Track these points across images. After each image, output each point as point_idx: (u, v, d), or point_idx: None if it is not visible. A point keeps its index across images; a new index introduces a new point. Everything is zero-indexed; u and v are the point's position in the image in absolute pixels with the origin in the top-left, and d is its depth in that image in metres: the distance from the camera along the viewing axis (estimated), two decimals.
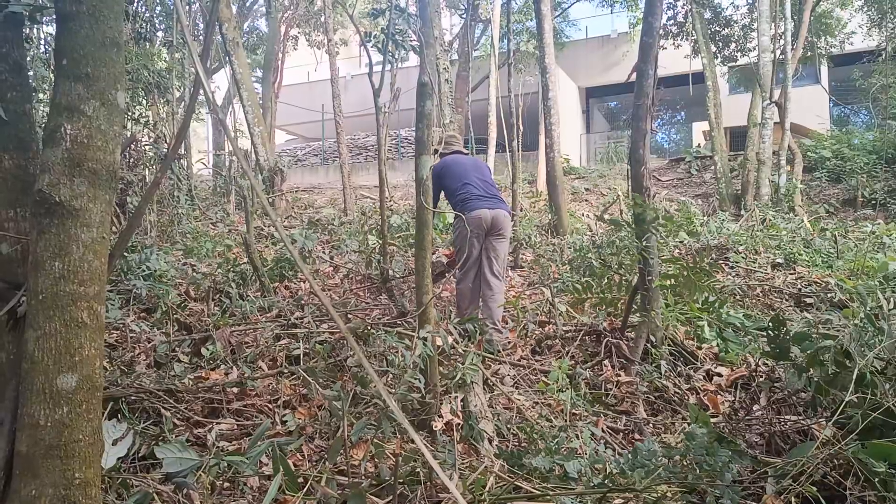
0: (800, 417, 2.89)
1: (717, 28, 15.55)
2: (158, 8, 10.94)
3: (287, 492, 2.29)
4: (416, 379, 2.75)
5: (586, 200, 13.67)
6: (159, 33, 11.20)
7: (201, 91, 2.05)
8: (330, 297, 5.61)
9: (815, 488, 2.15)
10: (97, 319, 1.68)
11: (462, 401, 3.06)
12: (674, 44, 16.12)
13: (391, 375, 3.01)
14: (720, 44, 15.57)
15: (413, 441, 2.74)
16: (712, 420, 3.02)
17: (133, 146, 8.15)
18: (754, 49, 13.19)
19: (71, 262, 1.63)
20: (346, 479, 2.43)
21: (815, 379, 2.81)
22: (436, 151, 4.78)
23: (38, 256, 1.64)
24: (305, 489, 2.31)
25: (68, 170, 1.65)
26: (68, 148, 1.66)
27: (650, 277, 3.88)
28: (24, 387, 1.61)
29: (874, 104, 15.58)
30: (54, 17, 1.86)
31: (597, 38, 22.36)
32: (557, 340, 4.24)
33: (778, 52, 11.75)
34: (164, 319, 4.48)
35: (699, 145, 18.16)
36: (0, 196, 1.86)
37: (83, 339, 1.63)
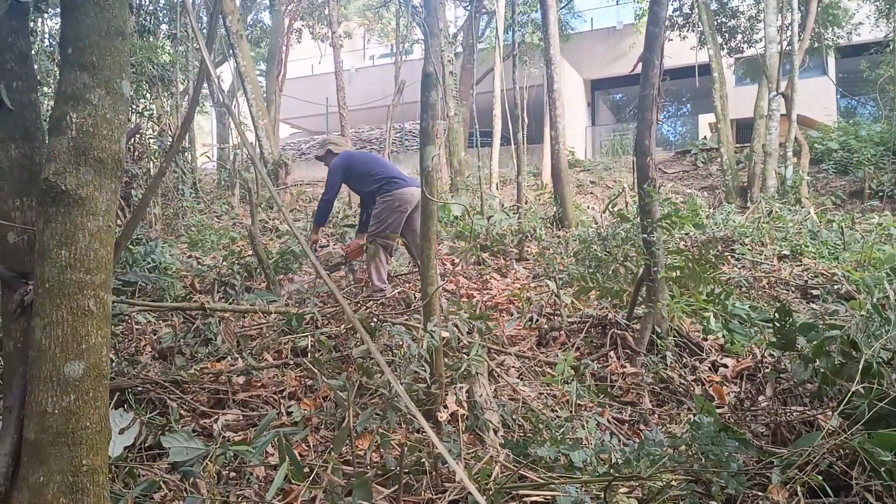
0: (806, 408, 2.88)
1: (724, 19, 15.43)
2: (162, 1, 10.93)
3: (293, 481, 2.30)
4: (421, 368, 2.76)
5: (591, 193, 13.64)
6: (163, 26, 11.20)
7: (205, 85, 2.04)
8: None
9: (820, 478, 2.14)
10: (103, 308, 1.68)
11: (467, 391, 3.06)
12: (680, 35, 16.01)
13: (396, 367, 3.01)
14: (726, 35, 15.46)
15: (418, 431, 2.75)
16: (718, 411, 3.01)
17: (137, 139, 8.17)
18: (761, 40, 13.09)
19: (77, 251, 1.64)
20: (352, 468, 2.43)
21: (822, 369, 2.80)
22: (329, 153, 5.51)
23: (45, 245, 1.64)
24: (311, 478, 2.32)
25: (74, 158, 1.65)
26: (74, 136, 1.66)
27: (656, 269, 3.87)
28: (31, 374, 1.62)
29: (882, 96, 15.44)
30: (59, 8, 1.86)
31: (602, 30, 22.23)
32: (562, 332, 4.24)
33: (785, 43, 11.65)
34: (170, 312, 4.48)
35: (705, 137, 18.07)
36: (6, 185, 1.86)
37: (90, 328, 1.64)
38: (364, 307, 4.81)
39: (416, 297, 4.84)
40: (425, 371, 2.80)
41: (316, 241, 5.62)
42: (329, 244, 7.31)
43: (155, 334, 4.13)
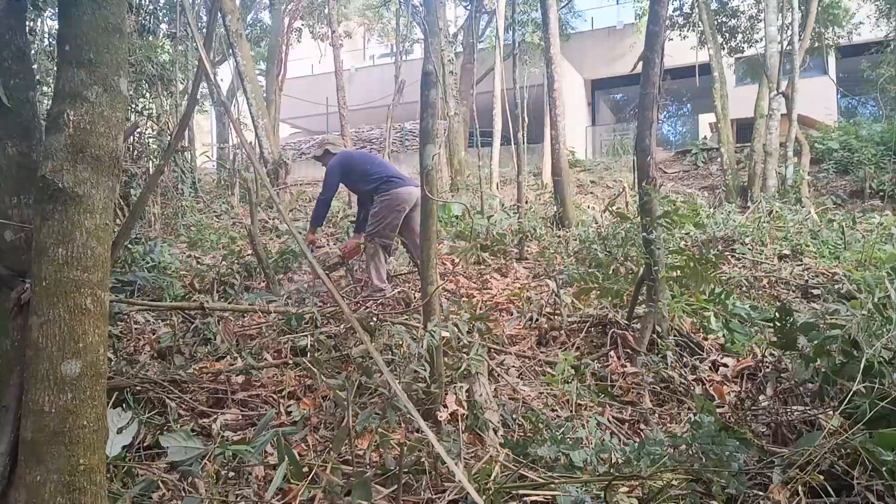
0: (807, 408, 2.87)
1: (724, 19, 15.44)
2: (162, 0, 10.92)
3: (292, 481, 2.29)
4: (421, 368, 2.75)
5: (592, 193, 13.64)
6: (163, 26, 11.19)
7: (205, 84, 2.04)
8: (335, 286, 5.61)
9: (821, 477, 2.13)
10: (101, 306, 1.67)
11: (467, 391, 3.05)
12: (680, 35, 16.01)
13: (396, 366, 3.00)
14: (727, 35, 15.46)
15: (417, 431, 2.74)
16: (718, 410, 3.00)
17: (137, 139, 8.16)
18: (761, 40, 13.10)
19: (74, 249, 1.63)
20: (351, 468, 2.42)
21: (823, 369, 2.79)
22: (326, 153, 5.50)
23: (42, 243, 1.63)
24: (310, 478, 2.31)
25: (71, 156, 1.64)
26: (71, 134, 1.65)
27: (656, 268, 3.86)
28: (28, 373, 1.61)
29: (882, 95, 15.45)
30: (57, 6, 1.85)
31: (603, 30, 22.22)
32: (563, 332, 4.23)
33: (785, 42, 11.65)
34: (169, 311, 4.47)
35: (705, 137, 18.08)
36: (4, 183, 1.86)
37: (87, 326, 1.63)
38: (363, 307, 4.80)
39: (416, 297, 4.83)
40: (425, 370, 2.79)
41: (313, 242, 5.60)
42: (327, 244, 7.30)
43: (154, 334, 4.12)
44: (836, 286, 5.20)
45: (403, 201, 5.12)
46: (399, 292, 5.13)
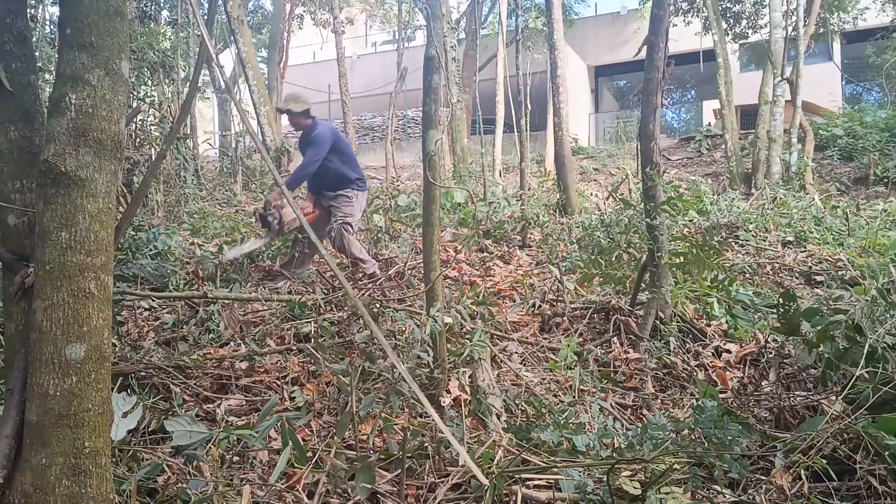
0: (809, 393, 2.88)
1: (729, 4, 15.30)
2: None
3: (296, 465, 2.31)
4: (425, 352, 2.75)
5: (595, 180, 13.59)
6: (164, 12, 11.13)
7: (206, 71, 2.03)
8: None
9: (824, 462, 2.14)
10: (104, 290, 1.68)
11: (470, 377, 3.05)
12: (684, 20, 15.87)
13: (399, 351, 3.01)
14: (731, 20, 15.33)
15: (421, 416, 2.76)
16: (721, 396, 3.01)
17: (139, 126, 8.15)
18: (766, 26, 12.97)
19: (77, 233, 1.63)
20: (355, 452, 2.44)
21: (826, 354, 2.79)
22: (306, 112, 5.03)
23: (45, 227, 1.63)
24: (314, 462, 2.32)
25: (73, 140, 1.64)
26: (73, 118, 1.65)
27: (659, 255, 3.85)
28: (32, 357, 1.62)
29: (887, 81, 15.33)
30: None
31: (606, 15, 22.04)
32: (566, 318, 4.23)
33: (790, 28, 11.55)
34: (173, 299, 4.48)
35: (709, 124, 17.95)
36: (6, 167, 1.85)
37: (91, 310, 1.63)
38: (367, 285, 4.83)
39: (417, 283, 4.83)
40: (428, 356, 2.79)
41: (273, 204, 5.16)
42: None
43: (157, 320, 4.13)
44: (839, 272, 5.18)
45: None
46: (381, 263, 5.20)
